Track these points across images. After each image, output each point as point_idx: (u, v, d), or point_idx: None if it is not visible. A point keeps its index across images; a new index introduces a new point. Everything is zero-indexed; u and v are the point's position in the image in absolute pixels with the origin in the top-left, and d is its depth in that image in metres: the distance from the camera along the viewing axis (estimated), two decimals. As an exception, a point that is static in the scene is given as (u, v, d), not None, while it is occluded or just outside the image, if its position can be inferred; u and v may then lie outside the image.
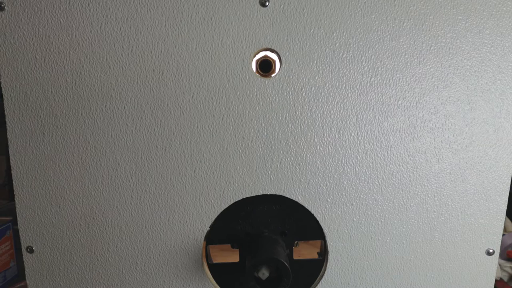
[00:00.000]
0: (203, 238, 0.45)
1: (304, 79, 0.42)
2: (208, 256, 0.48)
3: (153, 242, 0.45)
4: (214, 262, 0.47)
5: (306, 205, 0.45)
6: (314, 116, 0.43)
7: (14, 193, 0.44)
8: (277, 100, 0.42)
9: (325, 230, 0.46)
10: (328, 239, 0.46)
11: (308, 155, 0.43)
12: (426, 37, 0.41)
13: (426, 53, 0.42)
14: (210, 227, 0.45)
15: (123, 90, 0.42)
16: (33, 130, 0.42)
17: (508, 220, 0.92)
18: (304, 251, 0.49)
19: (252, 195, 0.44)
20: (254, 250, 0.43)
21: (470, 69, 0.42)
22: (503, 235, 0.87)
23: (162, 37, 0.41)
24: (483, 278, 0.47)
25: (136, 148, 0.43)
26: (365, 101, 0.42)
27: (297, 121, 0.43)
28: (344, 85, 0.42)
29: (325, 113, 0.43)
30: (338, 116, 0.43)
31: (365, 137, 0.43)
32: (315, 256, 0.49)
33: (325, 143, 0.43)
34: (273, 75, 0.42)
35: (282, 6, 0.40)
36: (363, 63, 0.42)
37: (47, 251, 0.45)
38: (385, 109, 0.43)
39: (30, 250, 0.45)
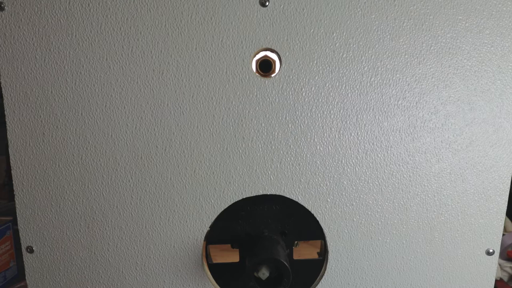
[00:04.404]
0: (203, 238, 0.45)
1: (304, 79, 0.42)
2: (208, 256, 0.48)
3: (153, 242, 0.45)
4: (214, 262, 0.47)
5: (306, 205, 0.45)
6: (314, 116, 0.43)
7: (14, 193, 0.44)
8: (277, 100, 0.42)
9: (325, 230, 0.46)
10: (328, 239, 0.46)
11: (308, 155, 0.43)
12: (426, 37, 0.41)
13: (426, 53, 0.42)
14: (210, 227, 0.45)
15: (123, 90, 0.42)
16: (33, 130, 0.42)
17: (508, 220, 0.92)
18: (304, 251, 0.49)
19: (252, 195, 0.44)
20: (254, 250, 0.43)
21: (470, 69, 0.42)
22: (503, 235, 0.87)
23: (162, 37, 0.41)
24: (483, 278, 0.47)
25: (136, 148, 0.43)
26: (365, 101, 0.42)
27: (297, 121, 0.43)
28: (344, 85, 0.42)
29: (325, 113, 0.43)
30: (338, 116, 0.43)
31: (365, 137, 0.43)
32: (315, 256, 0.49)
33: (325, 143, 0.43)
34: (273, 75, 0.42)
35: (282, 6, 0.40)
36: (363, 63, 0.42)
37: (47, 251, 0.45)
38: (385, 109, 0.43)
39: (30, 250, 0.45)
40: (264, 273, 0.41)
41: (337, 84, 0.42)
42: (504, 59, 0.42)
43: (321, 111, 0.43)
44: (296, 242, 0.47)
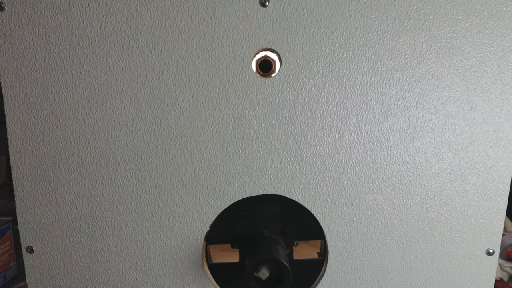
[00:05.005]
0: (203, 238, 0.45)
1: (304, 79, 0.42)
2: (208, 256, 0.48)
3: (153, 242, 0.45)
4: (214, 262, 0.47)
5: (306, 205, 0.45)
6: (314, 116, 0.43)
7: (14, 193, 0.44)
8: (277, 100, 0.42)
9: (325, 230, 0.46)
10: (328, 239, 0.46)
11: (308, 155, 0.43)
12: (426, 37, 0.41)
13: (426, 53, 0.42)
14: (210, 227, 0.45)
15: (123, 90, 0.42)
16: (33, 130, 0.42)
17: (508, 220, 0.92)
18: (304, 251, 0.49)
19: (252, 195, 0.44)
20: (254, 250, 0.43)
21: (470, 69, 0.42)
22: (503, 235, 0.87)
23: (162, 37, 0.41)
24: (483, 278, 0.47)
25: (136, 148, 0.43)
26: (365, 101, 0.42)
27: (297, 121, 0.43)
28: (344, 85, 0.42)
29: (325, 113, 0.43)
30: (338, 116, 0.43)
31: (365, 137, 0.43)
32: (315, 256, 0.49)
33: (325, 143, 0.43)
34: (273, 75, 0.42)
35: (282, 6, 0.40)
36: (363, 63, 0.42)
37: (47, 251, 0.45)
38: (385, 109, 0.43)
39: (30, 250, 0.45)
40: (264, 273, 0.41)
41: (337, 84, 0.42)
42: (504, 59, 0.42)
43: (321, 111, 0.43)
44: (296, 242, 0.47)
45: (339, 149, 0.43)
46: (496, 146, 0.44)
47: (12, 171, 0.43)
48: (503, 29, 0.41)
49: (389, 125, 0.43)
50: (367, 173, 0.44)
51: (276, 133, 0.43)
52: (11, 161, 0.43)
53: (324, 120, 0.43)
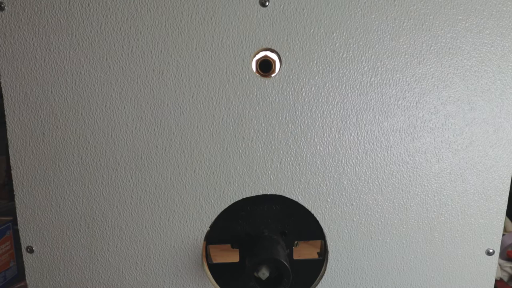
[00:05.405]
0: (203, 238, 0.45)
1: (304, 79, 0.42)
2: (208, 256, 0.48)
3: (153, 242, 0.45)
4: (214, 262, 0.47)
5: (306, 205, 0.45)
6: (314, 116, 0.43)
7: (14, 193, 0.44)
8: (277, 100, 0.42)
9: (325, 230, 0.46)
10: (328, 239, 0.46)
11: (308, 155, 0.43)
12: (426, 37, 0.41)
13: (426, 53, 0.42)
14: (210, 227, 0.45)
15: (123, 90, 0.42)
16: (33, 130, 0.42)
17: (508, 220, 0.92)
18: (304, 251, 0.49)
19: (252, 195, 0.44)
20: (254, 250, 0.43)
21: (470, 69, 0.42)
22: (503, 235, 0.87)
23: (162, 37, 0.41)
24: (483, 278, 0.47)
25: (136, 148, 0.43)
26: (365, 101, 0.42)
27: (297, 121, 0.43)
28: (344, 85, 0.42)
29: (325, 113, 0.43)
30: (338, 116, 0.43)
31: (365, 137, 0.43)
32: (315, 256, 0.49)
33: (325, 143, 0.43)
34: (273, 75, 0.42)
35: (282, 6, 0.40)
36: (363, 63, 0.42)
37: (47, 251, 0.45)
38: (385, 109, 0.43)
39: (30, 250, 0.45)
40: (264, 273, 0.41)
41: (337, 84, 0.42)
42: (504, 59, 0.42)
43: (321, 111, 0.43)
44: (296, 242, 0.47)
45: (339, 149, 0.43)
46: (496, 146, 0.44)
47: (12, 171, 0.43)
48: (503, 29, 0.41)
49: (389, 125, 0.43)
50: (367, 173, 0.44)
51: (276, 133, 0.43)
52: (11, 161, 0.43)
53: (324, 120, 0.43)
